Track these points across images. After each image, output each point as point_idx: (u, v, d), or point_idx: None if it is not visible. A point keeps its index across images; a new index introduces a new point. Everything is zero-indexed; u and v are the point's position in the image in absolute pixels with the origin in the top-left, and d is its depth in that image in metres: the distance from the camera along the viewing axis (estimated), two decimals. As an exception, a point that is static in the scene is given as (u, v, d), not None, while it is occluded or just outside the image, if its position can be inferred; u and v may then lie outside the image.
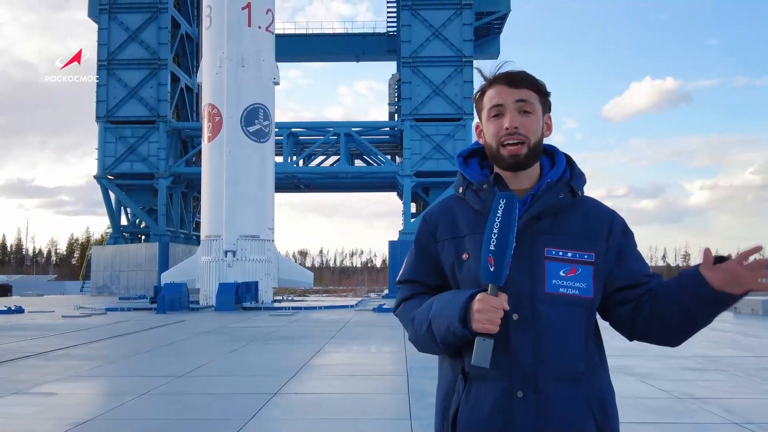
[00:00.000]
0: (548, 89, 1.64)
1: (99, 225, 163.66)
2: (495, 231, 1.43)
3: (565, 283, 1.51)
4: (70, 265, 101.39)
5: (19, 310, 19.86)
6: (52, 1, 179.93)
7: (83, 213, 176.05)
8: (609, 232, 1.58)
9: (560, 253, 1.52)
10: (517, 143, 1.54)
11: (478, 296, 1.42)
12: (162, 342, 11.29)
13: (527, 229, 1.52)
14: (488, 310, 1.39)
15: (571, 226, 1.56)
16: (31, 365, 8.55)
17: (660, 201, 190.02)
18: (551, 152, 1.69)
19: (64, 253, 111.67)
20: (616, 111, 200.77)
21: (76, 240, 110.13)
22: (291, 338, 11.72)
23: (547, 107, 1.64)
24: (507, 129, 1.55)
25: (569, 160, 1.68)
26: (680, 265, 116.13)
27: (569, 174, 1.63)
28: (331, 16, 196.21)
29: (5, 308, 19.99)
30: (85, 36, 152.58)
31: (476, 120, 1.69)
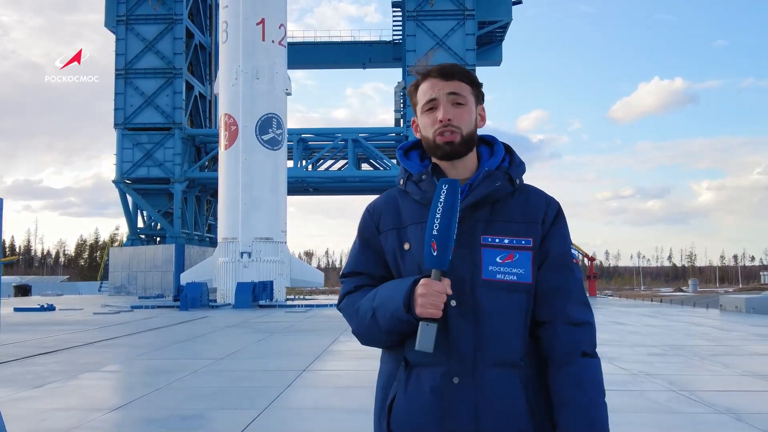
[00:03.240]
0: (480, 81, 1.67)
1: (107, 226, 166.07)
2: (438, 216, 1.45)
3: (502, 269, 1.52)
4: (79, 267, 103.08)
5: (51, 308, 21.33)
6: (60, 3, 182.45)
7: (90, 215, 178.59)
8: (544, 216, 1.60)
9: (497, 240, 1.54)
10: (450, 133, 1.57)
11: (422, 281, 1.45)
12: (194, 334, 12.72)
13: (466, 218, 1.53)
14: (431, 294, 1.42)
15: (510, 213, 1.57)
16: (89, 352, 9.95)
17: (666, 202, 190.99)
18: (491, 142, 1.71)
19: (73, 254, 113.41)
20: (623, 112, 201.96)
21: (85, 241, 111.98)
22: (309, 330, 13.14)
23: (480, 99, 1.66)
24: (441, 121, 1.56)
25: (509, 150, 1.69)
26: (685, 265, 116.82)
27: (508, 163, 1.65)
28: (339, 16, 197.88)
29: (38, 306, 21.50)
30: (93, 39, 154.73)
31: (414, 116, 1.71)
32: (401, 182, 1.66)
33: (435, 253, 1.44)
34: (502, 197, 1.58)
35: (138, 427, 5.05)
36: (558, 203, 1.65)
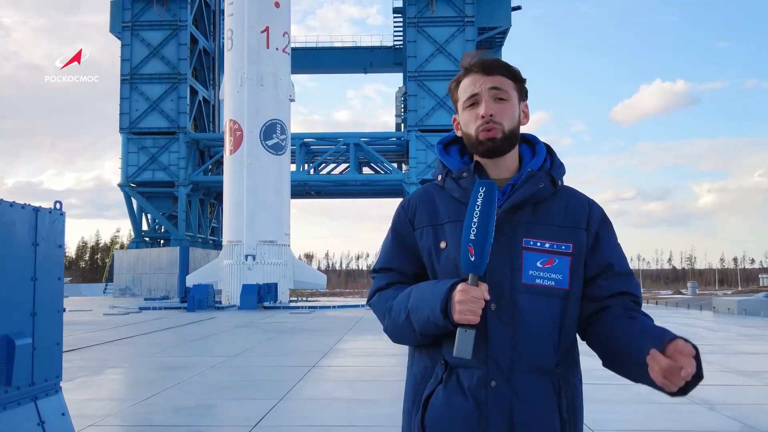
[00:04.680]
0: (523, 77, 1.61)
1: (108, 228, 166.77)
2: (475, 220, 1.42)
3: (541, 273, 1.50)
4: (81, 268, 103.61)
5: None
6: (62, 4, 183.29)
7: (91, 216, 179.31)
8: (588, 221, 1.57)
9: (538, 244, 1.51)
10: (493, 129, 1.54)
11: (459, 287, 1.41)
12: (204, 333, 13.26)
13: (507, 219, 1.51)
14: (470, 300, 1.39)
15: (551, 216, 1.55)
16: (108, 350, 10.50)
17: (668, 204, 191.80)
18: (532, 142, 1.67)
19: (73, 256, 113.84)
20: (625, 113, 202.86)
21: (86, 243, 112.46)
22: (314, 330, 13.68)
23: (523, 95, 1.62)
24: (483, 117, 1.53)
25: (549, 150, 1.65)
26: (685, 268, 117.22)
27: (549, 163, 1.61)
28: (341, 18, 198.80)
29: (49, 307, 22.05)
30: (94, 40, 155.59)
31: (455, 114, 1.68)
32: (439, 178, 1.64)
33: (472, 258, 1.41)
34: (543, 199, 1.56)
35: (167, 414, 5.59)
36: (601, 208, 1.63)
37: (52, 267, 3.72)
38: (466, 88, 1.58)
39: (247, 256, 24.44)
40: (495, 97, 1.54)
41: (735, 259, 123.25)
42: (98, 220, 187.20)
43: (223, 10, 32.00)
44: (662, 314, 20.32)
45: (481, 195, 1.42)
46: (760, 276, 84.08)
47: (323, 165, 39.68)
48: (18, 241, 3.43)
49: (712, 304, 22.18)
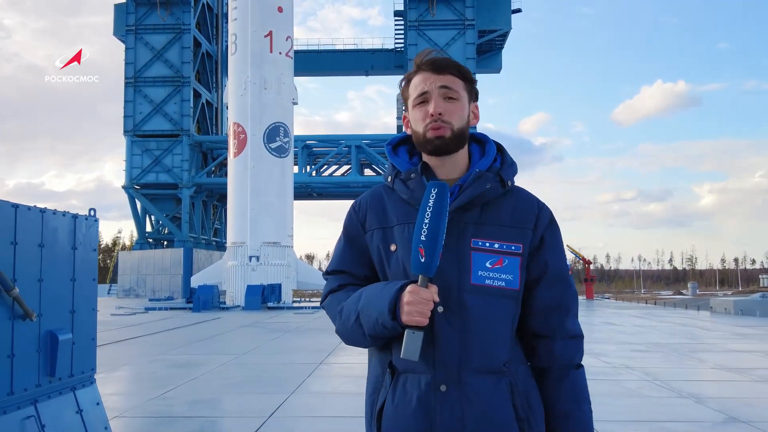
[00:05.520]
0: (474, 77, 1.60)
1: (109, 229, 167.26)
2: (426, 221, 1.41)
3: (491, 274, 1.49)
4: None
5: (68, 310, 22.23)
6: (62, 6, 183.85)
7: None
8: (536, 222, 1.56)
9: (487, 244, 1.50)
10: (441, 128, 1.53)
11: (408, 288, 1.41)
12: (212, 333, 13.63)
13: (455, 220, 1.50)
14: (418, 302, 1.38)
15: (500, 216, 1.53)
16: (121, 349, 10.85)
17: (668, 205, 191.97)
18: (483, 141, 1.66)
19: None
20: (626, 114, 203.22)
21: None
22: (319, 330, 14.04)
23: (473, 95, 1.61)
24: (432, 115, 1.52)
25: (501, 149, 1.64)
26: (686, 268, 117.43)
27: (500, 163, 1.60)
28: (342, 20, 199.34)
29: (56, 308, 22.42)
30: (95, 41, 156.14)
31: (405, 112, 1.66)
32: (389, 179, 1.62)
33: (423, 260, 1.40)
34: (492, 199, 1.54)
35: (185, 406, 5.94)
36: (550, 211, 1.62)
37: (88, 269, 4.07)
38: (417, 85, 1.57)
39: (251, 258, 24.81)
40: (445, 96, 1.54)
41: (736, 260, 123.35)
42: (99, 221, 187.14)
43: (226, 14, 32.42)
44: (661, 314, 20.66)
45: (432, 196, 1.42)
46: (760, 276, 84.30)
47: (325, 167, 40.08)
48: (60, 246, 3.79)
49: (710, 305, 22.51)
